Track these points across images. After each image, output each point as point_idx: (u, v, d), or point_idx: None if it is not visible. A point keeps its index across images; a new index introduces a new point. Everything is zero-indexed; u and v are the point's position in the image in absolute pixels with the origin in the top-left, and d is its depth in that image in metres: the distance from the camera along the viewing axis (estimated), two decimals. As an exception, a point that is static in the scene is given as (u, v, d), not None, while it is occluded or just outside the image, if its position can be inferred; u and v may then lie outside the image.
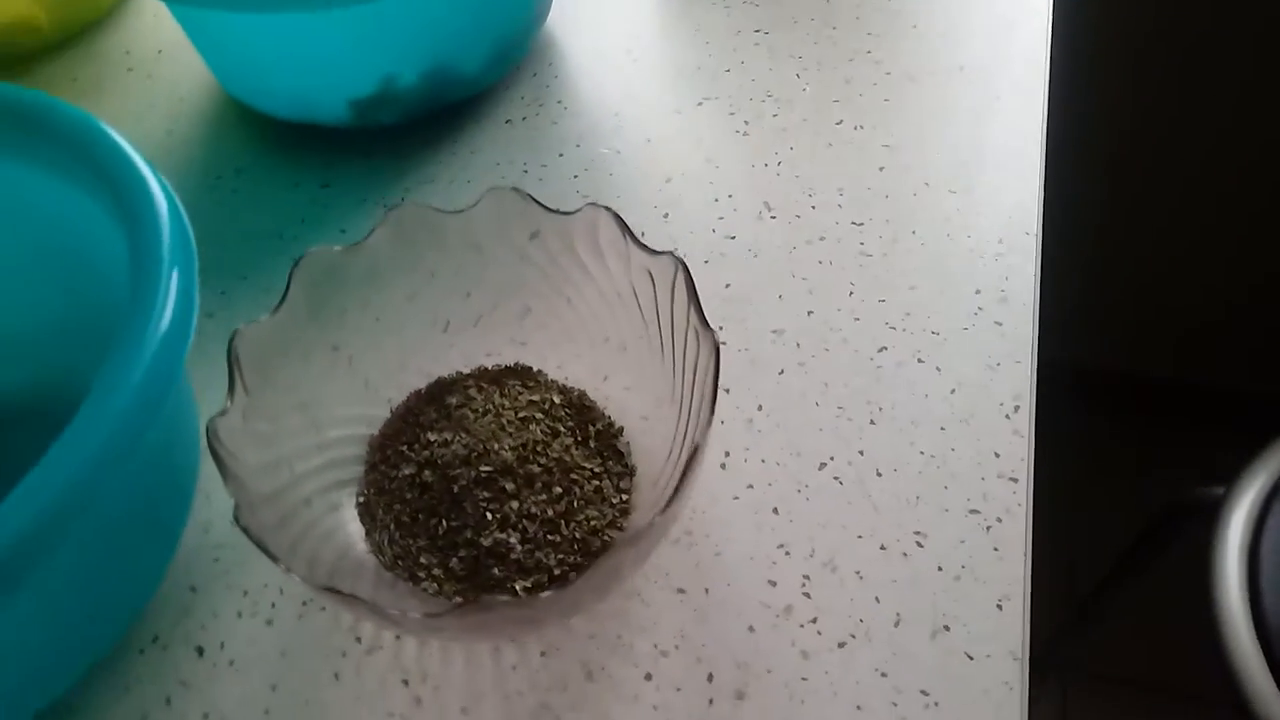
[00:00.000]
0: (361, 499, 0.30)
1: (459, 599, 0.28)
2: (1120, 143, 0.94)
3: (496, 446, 0.30)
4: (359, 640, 0.28)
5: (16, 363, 0.32)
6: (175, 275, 0.24)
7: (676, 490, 0.24)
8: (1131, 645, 1.05)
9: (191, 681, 0.27)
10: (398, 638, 0.28)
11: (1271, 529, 0.67)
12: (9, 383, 0.32)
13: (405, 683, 0.27)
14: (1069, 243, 1.05)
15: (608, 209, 0.30)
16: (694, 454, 0.24)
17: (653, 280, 0.30)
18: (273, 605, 0.29)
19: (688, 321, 0.28)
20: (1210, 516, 0.68)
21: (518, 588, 0.28)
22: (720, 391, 0.33)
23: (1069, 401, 1.25)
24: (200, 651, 0.28)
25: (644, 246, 0.29)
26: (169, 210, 0.26)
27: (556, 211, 0.30)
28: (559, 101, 0.43)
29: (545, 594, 0.22)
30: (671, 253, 0.28)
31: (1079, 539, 1.15)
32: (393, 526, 0.29)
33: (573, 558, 0.28)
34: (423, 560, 0.29)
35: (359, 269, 0.30)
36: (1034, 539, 0.29)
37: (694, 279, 0.27)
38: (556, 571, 0.28)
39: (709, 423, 0.25)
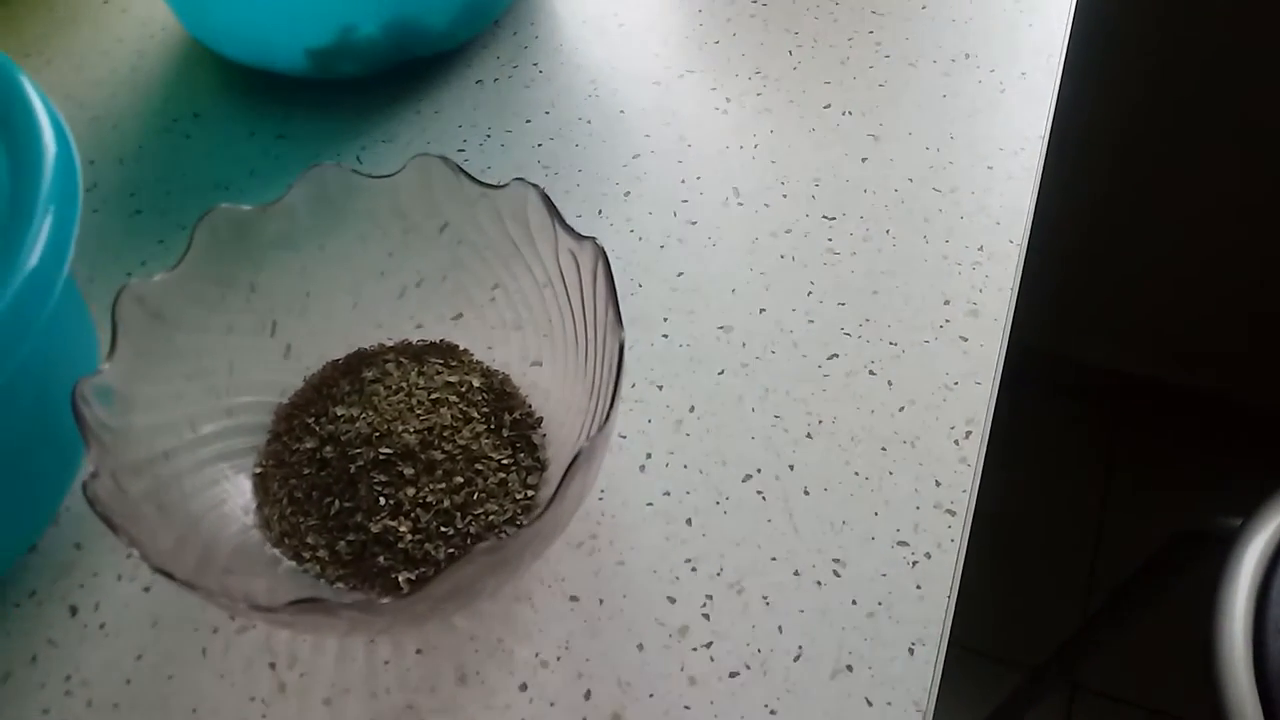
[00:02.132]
0: (259, 470, 0.29)
1: (339, 584, 0.27)
2: (1130, 148, 0.89)
3: (400, 428, 0.28)
4: (233, 617, 0.27)
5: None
6: (48, 221, 0.23)
7: (552, 500, 0.22)
8: (1143, 667, 1.01)
9: (60, 641, 0.26)
10: (274, 619, 0.27)
11: (1288, 569, 0.63)
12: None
13: (272, 666, 0.26)
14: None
15: (535, 186, 0.28)
16: (575, 460, 0.22)
17: (577, 266, 0.28)
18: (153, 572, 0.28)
19: (606, 314, 0.26)
20: (1225, 548, 0.65)
21: (400, 579, 0.27)
22: (653, 388, 0.31)
23: (1098, 409, 1.20)
24: (73, 611, 0.27)
25: (569, 229, 0.27)
26: (57, 155, 0.24)
27: (484, 184, 0.29)
28: (535, 64, 0.41)
29: (384, 601, 0.21)
30: (594, 239, 0.26)
31: (1103, 551, 1.11)
32: (285, 501, 0.28)
33: (464, 553, 0.27)
34: (309, 540, 0.27)
35: (274, 230, 0.29)
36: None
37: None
38: (444, 566, 0.27)
39: (604, 426, 0.23)
